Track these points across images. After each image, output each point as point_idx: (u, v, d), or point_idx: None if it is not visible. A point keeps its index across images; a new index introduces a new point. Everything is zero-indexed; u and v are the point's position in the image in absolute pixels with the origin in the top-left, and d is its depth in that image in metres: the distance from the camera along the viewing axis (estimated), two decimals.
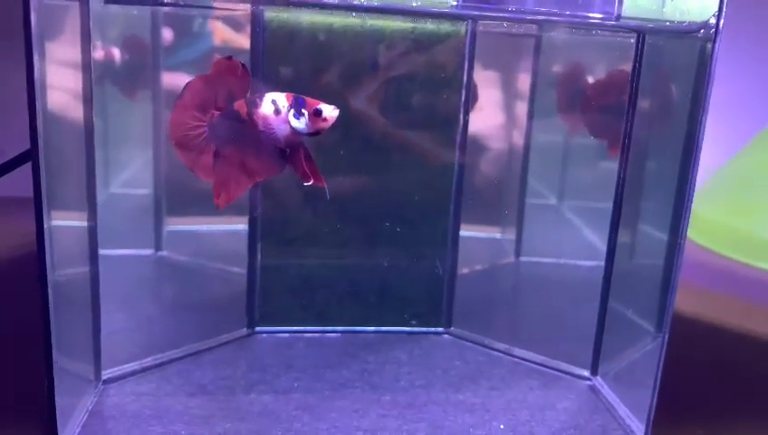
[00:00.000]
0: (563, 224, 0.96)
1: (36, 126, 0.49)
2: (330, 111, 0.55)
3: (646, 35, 0.66)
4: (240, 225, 0.86)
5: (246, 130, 0.55)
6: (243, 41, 0.76)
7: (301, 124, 0.55)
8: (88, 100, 0.59)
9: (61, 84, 0.56)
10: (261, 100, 0.55)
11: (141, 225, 0.95)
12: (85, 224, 0.61)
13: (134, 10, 0.82)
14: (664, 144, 0.77)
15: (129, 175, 0.95)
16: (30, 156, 0.50)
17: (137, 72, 0.82)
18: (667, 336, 0.61)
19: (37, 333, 0.52)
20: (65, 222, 0.58)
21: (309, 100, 0.55)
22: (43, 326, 0.52)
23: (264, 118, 0.55)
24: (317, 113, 0.55)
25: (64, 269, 0.57)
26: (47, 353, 0.52)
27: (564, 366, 0.75)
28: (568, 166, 0.95)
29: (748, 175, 1.36)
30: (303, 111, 0.55)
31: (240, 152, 0.57)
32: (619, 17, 0.66)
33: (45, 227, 0.50)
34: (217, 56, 0.58)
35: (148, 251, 0.95)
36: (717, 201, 1.33)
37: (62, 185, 0.56)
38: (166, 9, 0.79)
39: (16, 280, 0.63)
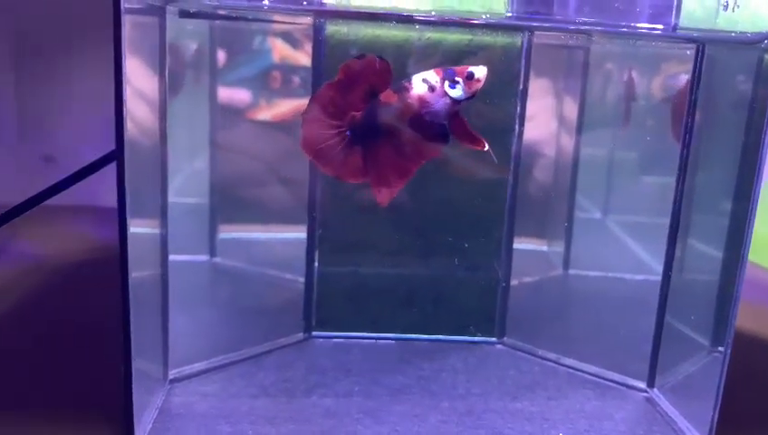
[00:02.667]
0: (610, 238, 0.95)
1: (123, 130, 0.51)
2: (481, 71, 0.56)
3: (705, 46, 0.67)
4: (288, 233, 0.88)
5: (398, 119, 0.56)
6: (302, 57, 0.78)
7: (459, 92, 0.56)
8: (163, 110, 0.62)
9: (139, 93, 0.58)
10: (410, 83, 0.56)
11: (196, 232, 0.97)
12: (158, 231, 0.64)
13: (189, 24, 0.86)
14: (720, 157, 0.77)
15: (183, 183, 0.98)
16: (112, 159, 0.52)
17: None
18: (729, 350, 0.60)
19: (116, 334, 0.54)
20: (141, 229, 0.60)
21: (457, 68, 0.56)
22: (122, 328, 0.54)
23: (420, 98, 0.56)
24: (470, 77, 0.56)
25: (139, 273, 0.59)
26: (126, 354, 0.54)
27: (619, 377, 0.75)
28: (614, 179, 0.95)
29: None
30: (457, 78, 0.55)
31: (394, 143, 0.57)
32: (676, 28, 0.66)
33: (128, 231, 0.52)
34: (351, 60, 0.57)
35: (204, 257, 0.97)
36: None
37: (139, 192, 0.58)
38: (226, 24, 0.81)
39: (95, 284, 0.66)
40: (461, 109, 0.57)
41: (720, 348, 0.77)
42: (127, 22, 0.50)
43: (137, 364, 0.56)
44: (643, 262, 0.87)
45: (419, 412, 0.66)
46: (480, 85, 0.56)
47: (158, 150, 0.62)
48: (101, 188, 0.63)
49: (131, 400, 0.55)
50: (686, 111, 0.68)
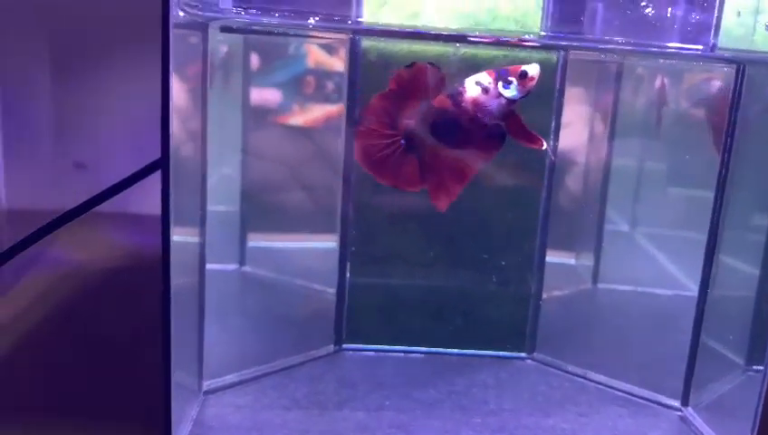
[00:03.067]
0: (639, 251, 0.95)
1: (168, 140, 0.52)
2: (534, 69, 0.56)
3: (746, 67, 0.66)
4: (318, 242, 0.88)
5: (453, 123, 0.56)
6: (337, 63, 0.79)
7: (513, 91, 0.56)
8: (204, 119, 0.63)
9: (181, 104, 0.59)
10: (462, 87, 0.56)
11: (225, 239, 0.98)
12: (197, 239, 0.65)
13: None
14: (757, 173, 0.76)
15: (213, 190, 0.98)
16: (156, 167, 0.53)
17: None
18: None
19: (154, 345, 0.55)
20: (181, 237, 0.61)
21: (509, 67, 0.56)
22: (162, 339, 0.55)
23: (475, 101, 0.56)
24: (523, 75, 0.56)
25: (178, 282, 0.60)
26: (166, 365, 0.55)
27: (652, 395, 0.75)
28: (645, 193, 0.94)
29: None
30: (510, 78, 0.56)
31: (451, 147, 0.57)
32: (714, 48, 0.66)
33: (171, 240, 0.53)
34: (400, 69, 0.57)
35: (233, 266, 0.98)
36: None
37: (181, 200, 0.59)
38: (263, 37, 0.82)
39: (133, 293, 0.67)
40: (516, 108, 0.57)
41: (755, 367, 0.77)
42: (173, 36, 0.51)
43: (175, 376, 0.57)
44: (674, 277, 0.86)
45: (451, 428, 0.66)
46: (533, 83, 0.56)
47: (198, 159, 0.63)
48: (140, 196, 0.64)
49: (170, 412, 0.56)
50: (726, 130, 0.68)
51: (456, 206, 0.80)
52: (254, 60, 0.87)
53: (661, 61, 0.81)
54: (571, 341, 0.87)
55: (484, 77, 0.56)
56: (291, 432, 0.63)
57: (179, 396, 0.59)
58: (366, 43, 0.75)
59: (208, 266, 0.95)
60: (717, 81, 0.76)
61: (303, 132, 0.86)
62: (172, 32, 0.50)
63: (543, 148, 0.59)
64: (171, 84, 0.51)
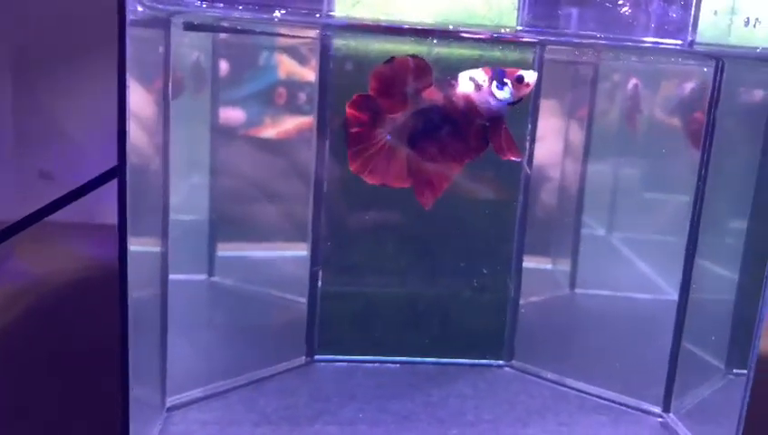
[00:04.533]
0: (616, 256, 0.94)
1: (125, 146, 0.49)
2: (531, 76, 0.54)
3: (725, 63, 0.65)
4: (289, 251, 0.86)
5: (441, 118, 0.53)
6: (309, 73, 0.76)
7: (506, 94, 0.53)
8: (166, 125, 0.60)
9: (141, 108, 0.56)
10: (455, 80, 0.54)
11: (193, 250, 0.95)
12: (158, 249, 0.61)
13: (192, 38, 0.84)
14: (735, 176, 0.75)
15: (181, 201, 0.95)
16: (113, 175, 0.50)
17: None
18: (752, 373, 0.58)
19: (112, 360, 0.52)
20: (142, 247, 0.57)
21: (507, 69, 0.54)
22: (120, 354, 0.51)
23: (466, 97, 0.53)
24: (519, 80, 0.53)
25: (138, 293, 0.56)
26: (124, 381, 0.52)
27: (633, 402, 0.73)
28: (621, 198, 0.93)
29: None
30: (506, 80, 0.53)
31: (437, 142, 0.54)
32: (693, 44, 0.65)
33: (129, 250, 0.50)
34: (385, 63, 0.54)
35: (201, 276, 0.95)
36: None
37: (141, 209, 0.56)
38: (230, 39, 0.80)
39: (93, 306, 0.63)
40: (505, 114, 0.55)
41: (735, 371, 0.76)
42: (131, 34, 0.47)
43: (134, 392, 0.54)
44: (653, 281, 0.85)
45: None
46: (528, 91, 0.54)
47: (159, 167, 0.60)
48: (100, 205, 0.60)
49: (128, 431, 0.52)
50: (705, 129, 0.66)
51: (431, 213, 0.78)
52: (224, 65, 0.85)
53: (636, 60, 0.80)
54: (550, 348, 0.85)
55: (480, 74, 0.54)
56: None
57: (140, 413, 0.55)
58: (338, 42, 0.72)
59: (175, 277, 0.92)
60: (694, 83, 0.75)
61: (274, 141, 0.83)
62: (129, 28, 0.47)
63: (518, 160, 0.56)
64: (128, 85, 0.48)
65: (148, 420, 0.60)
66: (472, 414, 0.68)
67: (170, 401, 0.65)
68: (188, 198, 0.96)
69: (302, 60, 0.79)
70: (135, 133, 0.53)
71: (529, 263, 0.88)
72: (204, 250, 0.96)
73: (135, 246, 0.53)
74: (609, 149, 0.91)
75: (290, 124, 0.83)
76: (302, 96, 0.80)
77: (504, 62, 0.75)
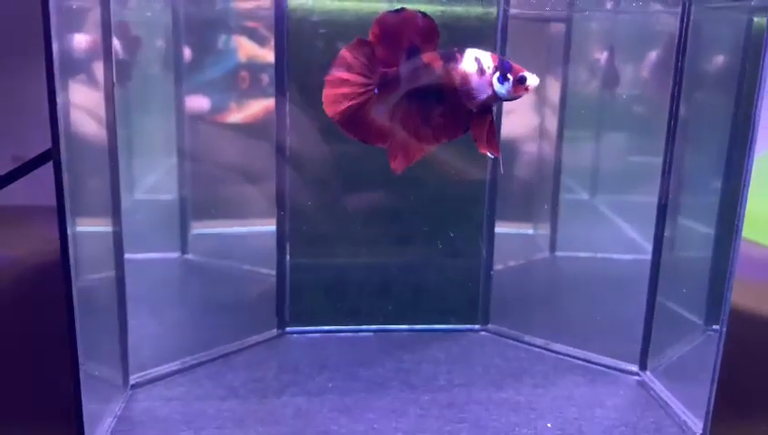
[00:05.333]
0: (597, 218, 0.92)
1: (57, 123, 0.47)
2: (533, 80, 0.51)
3: (691, 7, 0.63)
4: (264, 226, 0.84)
5: (433, 86, 0.50)
6: (269, 55, 0.75)
7: (503, 90, 0.50)
8: (110, 101, 0.57)
9: (80, 84, 0.54)
10: (461, 55, 0.50)
11: (167, 228, 0.94)
12: (110, 229, 0.60)
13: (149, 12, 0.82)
14: (710, 131, 0.74)
15: (154, 181, 0.94)
16: (50, 156, 0.48)
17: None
18: (725, 328, 0.57)
19: (62, 340, 0.50)
20: (89, 228, 0.56)
21: (514, 64, 0.51)
22: (68, 332, 0.50)
23: (465, 75, 0.50)
24: (521, 80, 0.50)
25: (89, 274, 0.55)
26: (73, 359, 0.50)
27: (610, 361, 0.72)
28: (600, 158, 0.92)
29: None
30: (509, 75, 0.50)
31: (422, 110, 0.51)
32: None
33: (69, 229, 0.48)
34: (384, 12, 0.50)
35: (175, 254, 0.94)
36: (762, 191, 1.28)
37: (84, 189, 0.54)
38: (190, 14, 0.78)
39: (41, 287, 0.61)
40: (495, 108, 0.53)
41: (714, 327, 0.74)
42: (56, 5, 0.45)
43: (88, 370, 0.52)
44: (633, 241, 0.83)
45: (398, 407, 0.62)
46: (526, 94, 0.51)
47: (104, 144, 0.58)
48: (44, 187, 0.58)
49: (81, 408, 0.51)
50: (673, 80, 0.64)
51: (400, 179, 0.76)
52: (186, 46, 0.84)
53: (604, 12, 0.78)
54: (529, 310, 0.84)
55: (487, 58, 0.50)
56: (224, 423, 0.58)
57: (96, 392, 0.54)
58: (293, 2, 0.70)
59: (149, 256, 0.91)
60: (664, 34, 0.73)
61: (240, 116, 0.82)
62: None
63: (495, 157, 0.54)
64: (56, 60, 0.46)
65: (107, 398, 0.58)
66: (444, 379, 0.67)
67: (134, 378, 0.64)
68: (162, 178, 0.95)
69: (261, 44, 0.77)
70: (74, 110, 0.51)
71: (508, 227, 0.87)
72: (176, 229, 0.95)
73: (79, 226, 0.52)
74: (585, 110, 0.89)
75: (257, 108, 0.81)
76: (266, 78, 0.79)
77: (467, 18, 0.73)
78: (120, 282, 0.61)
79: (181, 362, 0.68)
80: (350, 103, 0.50)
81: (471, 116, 0.52)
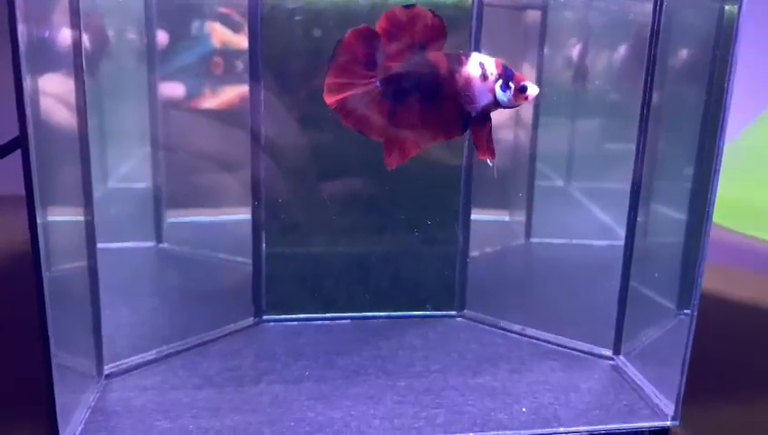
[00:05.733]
0: (572, 204, 0.93)
1: (25, 110, 0.46)
2: (533, 90, 0.51)
3: None
4: (239, 215, 0.83)
5: (435, 87, 0.50)
6: (241, 40, 0.74)
7: (504, 97, 0.51)
8: (80, 87, 0.56)
9: (49, 72, 0.53)
10: (467, 58, 0.50)
11: (141, 217, 0.93)
12: (82, 218, 0.59)
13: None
14: (682, 119, 0.74)
15: (128, 170, 0.93)
16: (18, 144, 0.47)
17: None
18: (695, 314, 0.58)
19: (35, 330, 0.50)
20: (60, 217, 0.55)
21: (516, 73, 0.51)
22: (39, 323, 0.49)
23: (468, 79, 0.50)
24: (522, 90, 0.51)
25: (61, 264, 0.54)
26: (45, 350, 0.50)
27: (584, 346, 0.73)
28: (574, 146, 0.92)
29: (763, 147, 1.33)
30: (511, 84, 0.50)
31: (422, 109, 0.51)
32: None
33: (39, 219, 0.48)
34: (395, 8, 0.49)
35: (149, 243, 0.93)
36: (731, 177, 1.30)
37: (55, 178, 0.53)
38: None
39: (11, 278, 0.61)
40: (493, 113, 0.53)
41: (685, 311, 0.75)
42: None
43: (61, 360, 0.52)
44: (607, 227, 0.84)
45: (375, 394, 0.62)
46: (525, 103, 0.52)
47: (74, 132, 0.57)
48: (12, 176, 0.57)
49: (54, 399, 0.50)
50: (646, 67, 0.65)
51: (377, 167, 0.76)
52: (160, 32, 0.82)
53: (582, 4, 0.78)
54: (504, 297, 0.84)
55: (491, 64, 0.51)
56: (200, 412, 0.58)
57: (69, 382, 0.54)
58: None
59: (123, 245, 0.90)
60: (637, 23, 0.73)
61: (215, 103, 0.81)
62: None
63: (490, 164, 0.54)
64: (22, 46, 0.45)
65: (81, 389, 0.58)
66: (421, 365, 0.68)
67: (109, 368, 0.63)
68: (136, 167, 0.93)
69: (235, 29, 0.76)
70: (42, 97, 0.50)
71: (484, 214, 0.87)
72: (151, 218, 0.94)
73: (52, 216, 0.51)
74: (560, 97, 0.90)
75: (227, 91, 0.80)
76: (238, 62, 0.78)
77: (443, 7, 0.72)
78: (93, 271, 0.60)
79: (156, 351, 0.67)
80: (351, 93, 0.50)
81: (468, 119, 0.52)
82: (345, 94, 0.50)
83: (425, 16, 0.49)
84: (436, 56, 0.50)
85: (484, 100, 0.51)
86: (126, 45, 0.85)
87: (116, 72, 0.85)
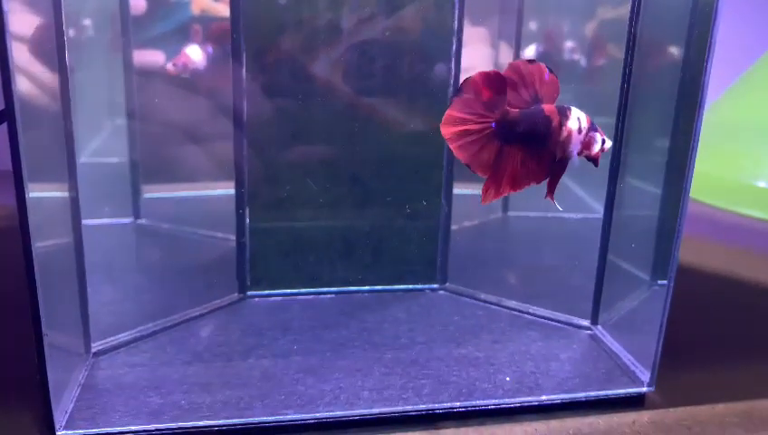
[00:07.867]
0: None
1: (11, 86, 0.45)
2: (608, 144, 0.56)
3: None
4: (219, 190, 0.83)
5: (542, 136, 0.53)
6: (222, 8, 0.73)
7: (596, 149, 0.56)
8: (63, 62, 0.55)
9: (32, 45, 0.52)
10: (570, 112, 0.54)
11: (117, 193, 0.92)
12: (66, 194, 0.58)
13: None
14: (658, 95, 0.76)
15: (99, 144, 0.91)
16: (2, 119, 0.47)
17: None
18: (672, 284, 0.60)
19: (24, 309, 0.49)
20: (46, 193, 0.54)
21: (598, 127, 0.56)
22: (30, 301, 0.49)
23: (570, 132, 0.54)
24: (603, 142, 0.56)
25: (47, 241, 0.53)
26: (36, 328, 0.49)
27: (563, 317, 0.75)
28: None
29: (731, 122, 1.36)
30: (598, 136, 0.55)
31: (525, 153, 0.54)
32: None
33: (27, 195, 0.47)
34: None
35: (127, 220, 0.92)
36: (701, 152, 1.34)
37: (39, 154, 0.52)
38: None
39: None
40: (570, 162, 0.56)
41: (660, 281, 0.78)
42: None
43: (50, 340, 0.51)
44: (582, 200, 0.86)
45: (363, 366, 0.63)
46: (595, 154, 0.56)
47: (58, 107, 0.56)
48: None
49: (46, 378, 0.50)
50: (626, 47, 0.66)
51: (360, 142, 0.76)
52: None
53: None
54: (484, 269, 0.86)
55: (584, 119, 0.55)
56: (191, 388, 0.59)
57: (59, 361, 0.54)
58: None
59: (100, 221, 0.89)
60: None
61: (192, 79, 0.79)
62: None
63: (559, 207, 0.58)
64: (6, 21, 0.44)
65: (70, 367, 0.58)
66: (406, 337, 0.69)
67: (96, 345, 0.63)
68: (110, 141, 0.92)
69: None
70: (27, 71, 0.49)
71: (463, 188, 0.88)
72: (127, 193, 0.93)
73: (37, 192, 0.50)
74: None
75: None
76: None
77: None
78: (79, 248, 0.60)
79: (143, 328, 0.67)
80: (467, 128, 0.53)
81: (554, 166, 0.56)
82: (462, 128, 0.53)
83: (542, 71, 0.53)
84: (550, 109, 0.54)
85: (575, 150, 0.55)
86: (97, 8, 0.83)
87: (85, 38, 0.83)
